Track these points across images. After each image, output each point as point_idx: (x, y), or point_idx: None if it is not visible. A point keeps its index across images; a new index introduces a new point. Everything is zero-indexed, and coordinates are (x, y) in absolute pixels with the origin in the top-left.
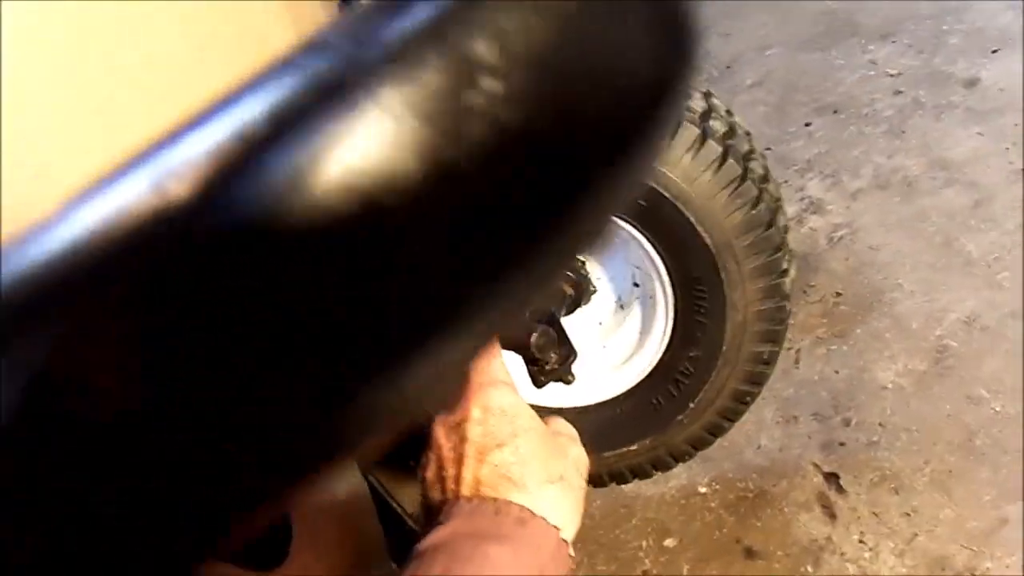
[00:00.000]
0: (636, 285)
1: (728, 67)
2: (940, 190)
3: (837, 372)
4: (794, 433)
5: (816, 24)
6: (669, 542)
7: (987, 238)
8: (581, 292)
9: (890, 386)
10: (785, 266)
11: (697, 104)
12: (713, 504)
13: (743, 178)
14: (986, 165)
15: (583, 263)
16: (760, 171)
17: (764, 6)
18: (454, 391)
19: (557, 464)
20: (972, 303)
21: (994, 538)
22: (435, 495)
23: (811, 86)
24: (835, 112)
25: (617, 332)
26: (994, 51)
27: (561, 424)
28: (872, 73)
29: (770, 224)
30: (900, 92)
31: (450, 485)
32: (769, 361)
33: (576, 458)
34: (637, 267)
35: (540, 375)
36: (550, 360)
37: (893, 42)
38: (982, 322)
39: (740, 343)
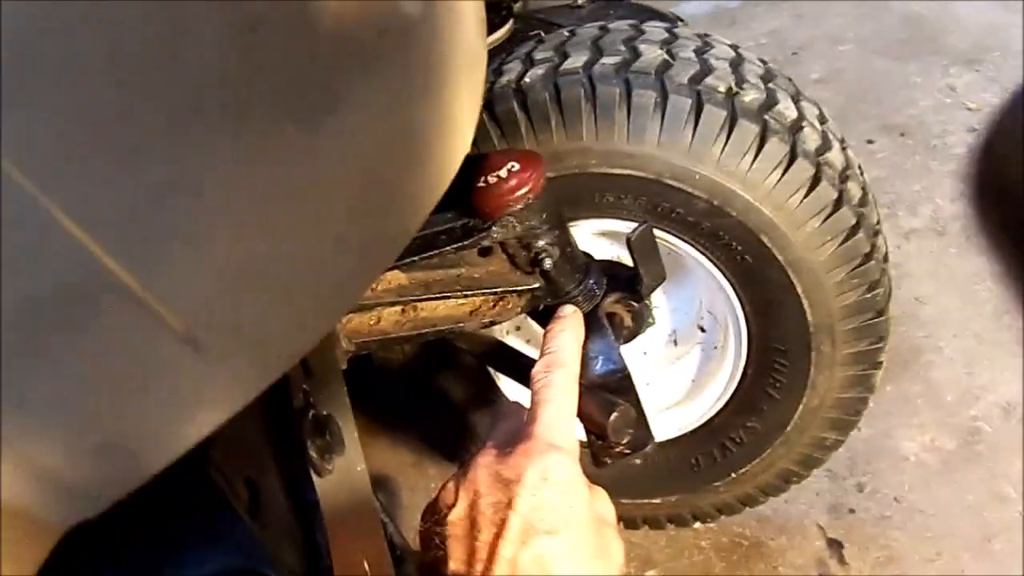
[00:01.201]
0: (702, 330)
1: (794, 53)
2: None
3: (859, 430)
4: (803, 486)
5: (900, 29)
6: (651, 573)
7: None
8: (639, 324)
9: (912, 459)
10: (881, 359)
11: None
12: (704, 544)
13: (868, 257)
14: None
15: (646, 295)
16: (883, 249)
17: None
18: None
19: (600, 566)
20: (1014, 389)
21: None
22: (459, 554)
23: (881, 98)
24: (902, 135)
25: (664, 371)
26: None
27: (605, 507)
28: (949, 101)
29: (880, 313)
30: (975, 130)
31: (481, 556)
32: (832, 448)
33: (618, 558)
34: (710, 311)
35: (604, 454)
36: (622, 442)
37: (977, 71)
38: (1021, 412)
39: (807, 427)
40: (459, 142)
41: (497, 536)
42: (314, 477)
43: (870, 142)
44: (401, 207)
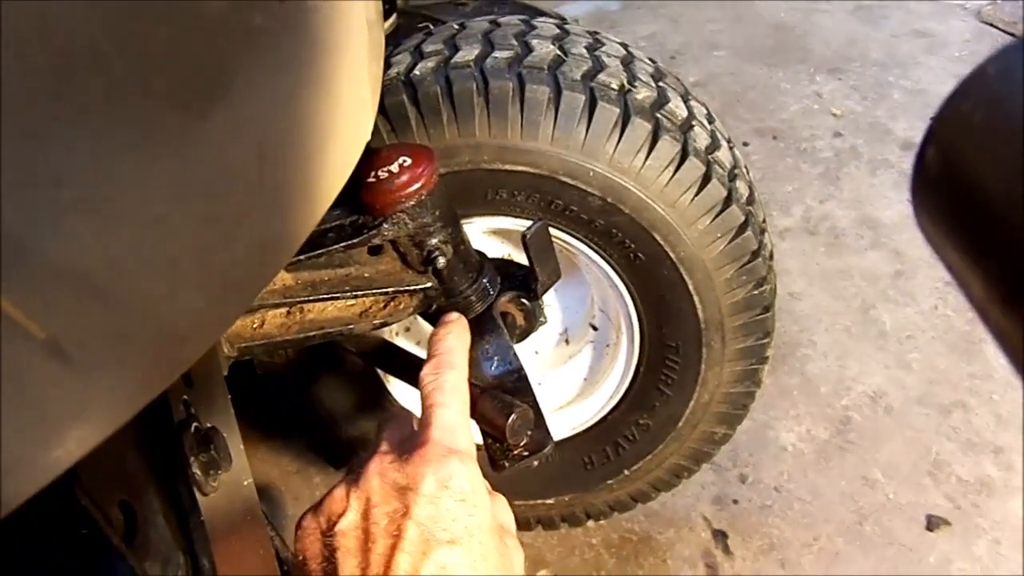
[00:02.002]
0: (594, 328)
1: (672, 58)
2: (865, 251)
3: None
4: (689, 480)
5: (768, 36)
6: (543, 573)
7: (903, 313)
8: (532, 323)
9: (790, 448)
10: (768, 353)
11: (679, 109)
12: (595, 541)
13: (755, 254)
14: (913, 235)
15: (540, 294)
16: (769, 247)
17: (719, 3)
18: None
19: None
20: (880, 379)
21: None
22: (351, 567)
23: (754, 103)
24: (774, 138)
25: (557, 371)
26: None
27: (506, 514)
28: (816, 107)
29: (767, 309)
30: (840, 135)
31: (376, 568)
32: (721, 442)
33: (519, 569)
34: (602, 310)
35: (502, 456)
36: (520, 445)
37: (840, 79)
38: (887, 401)
39: (697, 422)
40: (359, 134)
41: (393, 547)
42: (198, 495)
43: (745, 144)
44: (298, 202)
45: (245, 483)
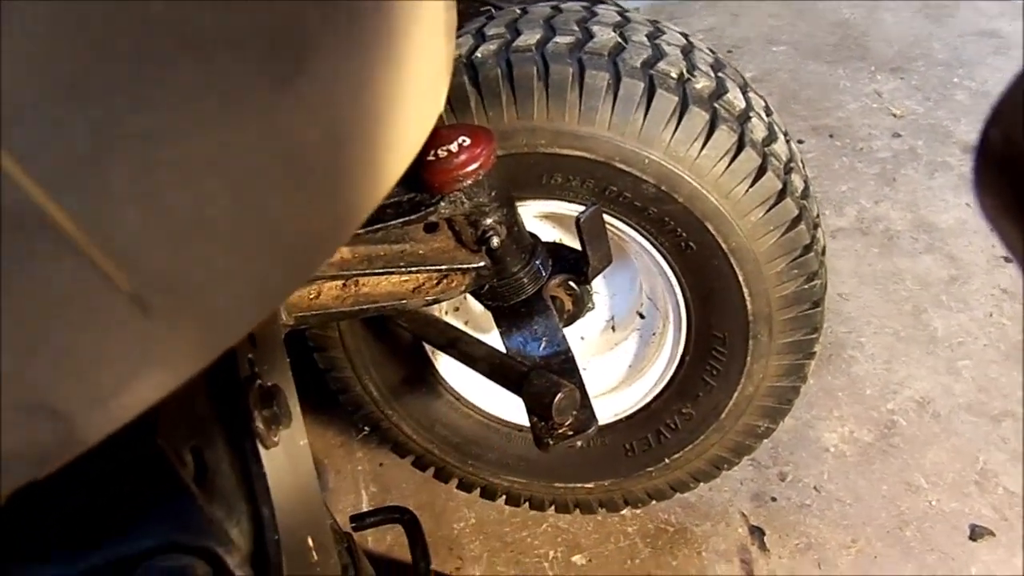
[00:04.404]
0: (641, 316)
1: (730, 51)
2: (920, 254)
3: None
4: (728, 475)
5: (830, 34)
6: (578, 559)
7: (955, 320)
8: (580, 308)
9: (832, 450)
10: (815, 349)
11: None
12: (631, 530)
13: (808, 249)
14: (968, 241)
15: (591, 278)
16: (822, 242)
17: None
18: None
19: None
20: (928, 385)
21: None
22: None
23: (812, 100)
24: (831, 136)
25: (601, 357)
26: None
27: None
28: (875, 106)
29: (816, 304)
30: (899, 136)
31: None
32: (763, 435)
33: None
34: (650, 298)
35: (547, 435)
36: (565, 424)
37: (902, 78)
38: (935, 407)
39: (741, 414)
40: (430, 111)
41: None
42: (260, 449)
43: (800, 142)
44: (369, 174)
45: (301, 443)
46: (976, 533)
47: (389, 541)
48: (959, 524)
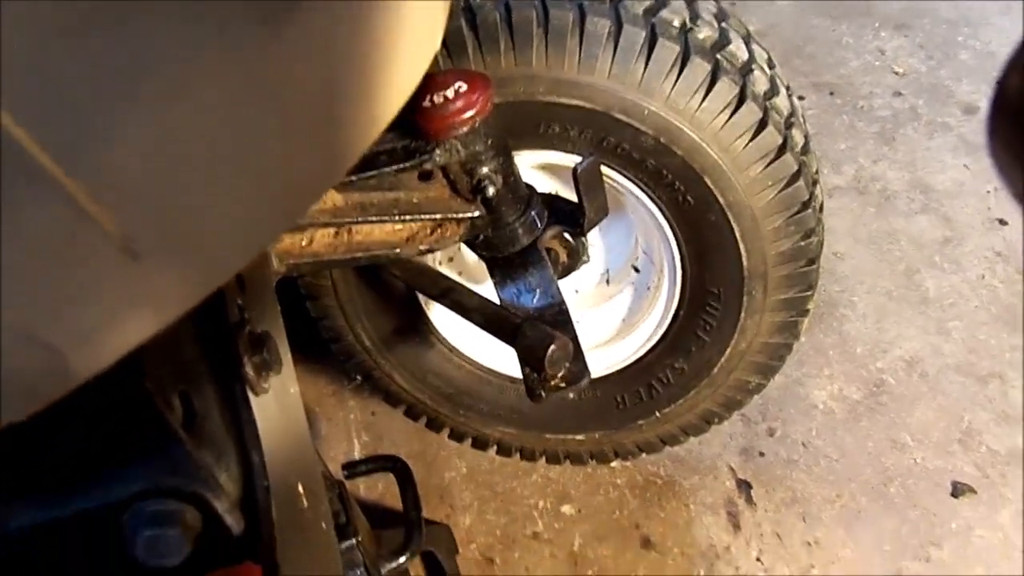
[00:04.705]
0: (636, 270)
1: (733, 3)
2: (915, 215)
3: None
4: (717, 430)
5: None
6: (567, 509)
7: (948, 280)
8: (575, 260)
9: (821, 406)
10: (809, 307)
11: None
12: (619, 481)
13: (806, 205)
14: (964, 203)
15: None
16: (820, 199)
17: None
18: None
19: None
20: (918, 344)
21: None
22: None
23: (814, 55)
24: (831, 94)
25: (595, 310)
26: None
27: None
28: (877, 64)
29: (812, 261)
30: (900, 95)
31: None
32: (754, 391)
33: None
34: (645, 252)
35: (539, 386)
36: (557, 375)
37: (906, 36)
38: (923, 367)
39: (733, 369)
40: (426, 49)
41: None
42: (250, 395)
43: (801, 98)
44: (361, 113)
45: (292, 391)
46: (958, 490)
47: (381, 489)
48: (942, 481)
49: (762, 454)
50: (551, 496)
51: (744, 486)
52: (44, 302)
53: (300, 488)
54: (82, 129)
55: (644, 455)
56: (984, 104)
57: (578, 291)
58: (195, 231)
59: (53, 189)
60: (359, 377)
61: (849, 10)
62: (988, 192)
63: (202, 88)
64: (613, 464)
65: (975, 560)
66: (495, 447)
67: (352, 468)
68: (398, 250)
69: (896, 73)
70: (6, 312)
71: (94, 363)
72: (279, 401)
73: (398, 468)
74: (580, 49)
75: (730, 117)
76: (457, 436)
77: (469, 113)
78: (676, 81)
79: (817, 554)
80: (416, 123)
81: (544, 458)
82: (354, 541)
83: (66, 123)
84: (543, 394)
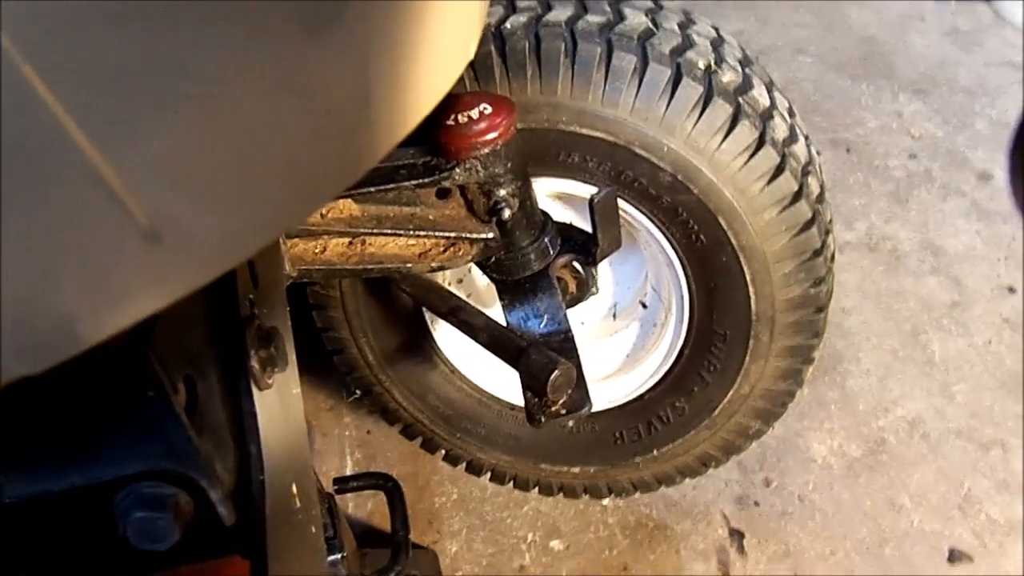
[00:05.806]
0: (643, 306)
1: (756, 57)
2: (925, 276)
3: (773, 428)
4: (713, 475)
5: (856, 48)
6: (555, 544)
7: (954, 344)
8: (584, 291)
9: (820, 460)
10: (815, 355)
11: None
12: (611, 520)
13: (817, 253)
14: (975, 268)
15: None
16: (832, 248)
17: (812, 6)
18: None
19: None
20: (921, 406)
21: None
22: None
23: (832, 112)
24: (848, 151)
25: (600, 343)
26: None
27: None
28: (895, 125)
29: (820, 309)
30: (915, 157)
31: None
32: (754, 437)
33: None
34: (654, 289)
35: (539, 411)
36: (559, 402)
37: (923, 101)
38: (925, 429)
39: (734, 413)
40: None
41: None
42: (253, 388)
43: (817, 153)
44: (390, 116)
45: (294, 391)
46: (955, 556)
47: (370, 508)
48: (939, 546)
49: (757, 504)
50: (541, 530)
51: (736, 535)
52: (63, 272)
53: (294, 488)
54: (124, 119)
55: (638, 494)
56: (998, 173)
57: (584, 323)
58: (217, 222)
59: (89, 173)
60: (358, 391)
61: (870, 71)
62: (999, 260)
63: (241, 87)
64: (605, 502)
65: None
66: (489, 473)
67: (343, 483)
68: (410, 265)
69: (912, 136)
70: (26, 275)
71: (102, 329)
72: (281, 399)
73: (389, 487)
74: (605, 82)
75: (748, 160)
76: (452, 459)
77: (492, 135)
78: (697, 121)
79: None
80: (439, 141)
81: (537, 489)
82: (339, 556)
83: (110, 111)
84: (543, 419)
